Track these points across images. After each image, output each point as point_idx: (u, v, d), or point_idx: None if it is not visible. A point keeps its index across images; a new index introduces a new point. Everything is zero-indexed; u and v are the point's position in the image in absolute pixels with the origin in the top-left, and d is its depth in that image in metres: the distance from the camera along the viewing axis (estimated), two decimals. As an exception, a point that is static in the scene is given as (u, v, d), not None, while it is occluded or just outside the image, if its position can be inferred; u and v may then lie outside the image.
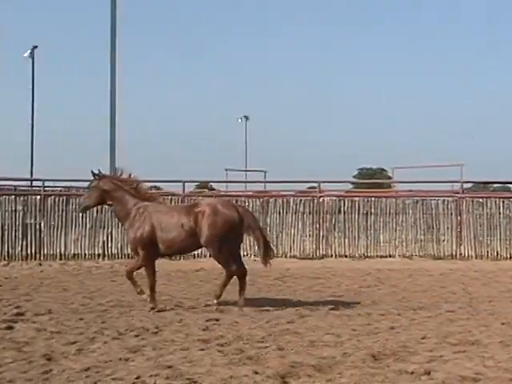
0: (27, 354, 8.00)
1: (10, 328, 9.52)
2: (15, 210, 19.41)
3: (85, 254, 19.45)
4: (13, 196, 19.99)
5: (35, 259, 19.15)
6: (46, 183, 21.88)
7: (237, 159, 72.17)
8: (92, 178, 11.75)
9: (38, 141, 46.04)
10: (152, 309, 11.03)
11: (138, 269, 11.61)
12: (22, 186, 25.95)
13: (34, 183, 25.74)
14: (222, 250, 11.19)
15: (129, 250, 19.57)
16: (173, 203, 20.16)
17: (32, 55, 45.55)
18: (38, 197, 19.98)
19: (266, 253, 11.64)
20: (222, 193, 27.07)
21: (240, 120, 75.34)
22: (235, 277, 11.55)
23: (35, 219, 19.63)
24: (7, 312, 10.72)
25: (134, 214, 11.27)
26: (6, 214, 19.31)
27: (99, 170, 11.76)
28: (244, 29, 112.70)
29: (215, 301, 11.37)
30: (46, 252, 19.50)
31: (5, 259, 18.74)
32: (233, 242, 11.28)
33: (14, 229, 19.35)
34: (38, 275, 16.21)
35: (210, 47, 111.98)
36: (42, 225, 19.67)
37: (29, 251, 19.29)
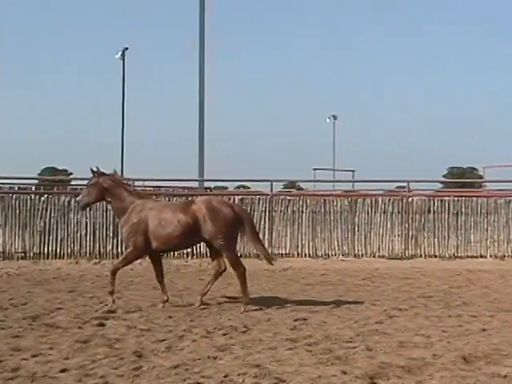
0: (118, 351, 8.13)
1: (101, 325, 9.70)
2: (107, 210, 19.76)
3: (173, 253, 19.65)
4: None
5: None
6: (136, 183, 22.20)
7: (325, 158, 72.04)
8: (94, 178, 11.86)
9: (129, 141, 46.90)
10: (110, 293, 11.19)
11: (124, 266, 11.75)
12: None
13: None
14: (228, 246, 11.33)
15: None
16: (261, 203, 20.24)
17: (123, 56, 46.40)
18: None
19: (265, 253, 11.89)
20: (310, 192, 27.02)
21: (328, 119, 75.18)
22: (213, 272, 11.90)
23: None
24: (99, 309, 10.93)
25: (130, 211, 11.44)
26: (98, 213, 19.67)
27: (97, 168, 11.89)
28: (330, 27, 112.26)
29: (243, 308, 11.16)
30: (123, 249, 19.78)
31: (96, 257, 19.09)
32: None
33: (105, 227, 19.69)
34: (128, 273, 16.41)
35: (298, 46, 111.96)
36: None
37: (119, 249, 19.58)
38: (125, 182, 12.06)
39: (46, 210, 19.43)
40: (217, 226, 11.11)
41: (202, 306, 11.34)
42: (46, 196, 19.75)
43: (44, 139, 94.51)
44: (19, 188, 23.40)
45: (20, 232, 19.16)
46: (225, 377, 7.02)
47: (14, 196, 19.62)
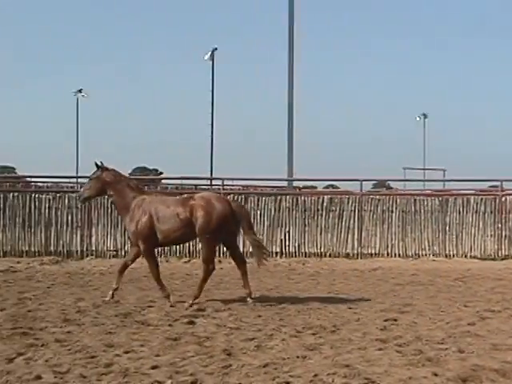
0: (208, 349, 8.19)
1: (191, 323, 9.79)
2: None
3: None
4: (194, 195, 20.54)
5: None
6: (225, 182, 22.34)
7: (415, 157, 71.13)
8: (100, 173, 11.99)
9: (217, 140, 47.31)
10: (166, 297, 11.42)
11: (134, 261, 12.02)
12: (203, 185, 26.70)
13: (214, 182, 26.39)
14: (210, 243, 11.49)
15: (306, 248, 19.80)
16: (350, 202, 20.12)
17: (212, 57, 46.83)
18: (218, 195, 20.43)
19: (258, 253, 11.90)
20: (400, 191, 26.71)
21: (418, 118, 74.21)
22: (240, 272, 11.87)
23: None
24: (189, 307, 11.03)
25: (133, 207, 11.58)
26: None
27: (101, 162, 12.01)
28: (420, 27, 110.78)
29: (191, 301, 11.29)
30: (224, 250, 19.89)
31: (186, 256, 19.29)
32: (224, 236, 11.60)
33: (195, 227, 19.87)
34: (217, 272, 16.51)
35: (386, 45, 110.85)
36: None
37: (208, 248, 19.76)
38: (127, 176, 12.21)
39: (137, 209, 19.73)
40: (207, 221, 11.25)
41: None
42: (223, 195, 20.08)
43: (136, 139, 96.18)
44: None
45: (112, 231, 19.53)
46: (314, 376, 6.99)
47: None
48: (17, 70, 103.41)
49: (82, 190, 12.55)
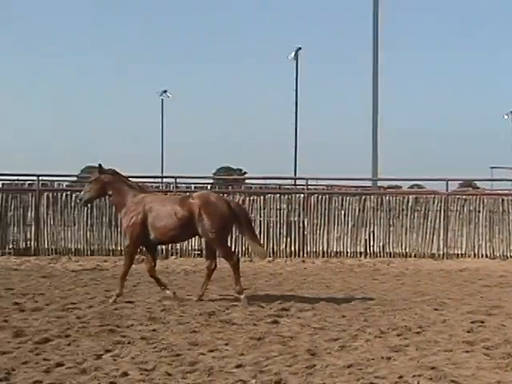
0: (292, 349, 8.18)
1: (275, 322, 9.80)
2: (280, 208, 19.97)
3: (347, 252, 19.60)
4: (278, 194, 20.57)
5: (298, 256, 19.58)
6: (309, 182, 22.30)
7: (503, 156, 69.61)
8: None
9: (301, 140, 47.25)
10: (117, 296, 11.46)
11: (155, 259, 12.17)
12: (287, 185, 26.74)
13: (298, 182, 26.39)
14: (220, 240, 11.65)
15: (391, 249, 19.61)
16: (436, 202, 19.84)
17: (296, 57, 46.84)
18: (302, 195, 20.42)
19: (257, 249, 12.09)
20: (487, 191, 26.18)
21: (506, 116, 72.61)
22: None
23: (299, 217, 20.08)
24: (273, 307, 11.05)
25: (130, 204, 11.78)
26: (272, 211, 19.92)
27: (100, 165, 12.24)
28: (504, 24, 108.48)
29: (237, 291, 11.59)
30: (309, 249, 19.88)
31: (270, 256, 19.33)
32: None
33: (278, 226, 19.91)
34: (301, 272, 16.55)
35: (472, 43, 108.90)
36: (306, 223, 20.07)
37: (292, 248, 19.76)
38: (125, 176, 12.46)
39: (222, 209, 19.86)
40: (210, 220, 11.39)
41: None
42: (221, 195, 20.20)
43: (220, 139, 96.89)
44: (196, 187, 24.18)
45: (196, 230, 19.68)
46: (399, 378, 6.92)
47: (192, 195, 20.23)
48: (103, 70, 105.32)
49: (81, 193, 12.76)
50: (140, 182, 25.45)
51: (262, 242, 18.84)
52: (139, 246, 12.18)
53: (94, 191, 12.33)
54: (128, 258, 12.06)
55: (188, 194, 12.87)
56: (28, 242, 19.07)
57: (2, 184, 21.98)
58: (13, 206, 19.02)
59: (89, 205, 15.52)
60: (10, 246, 18.79)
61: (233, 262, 11.70)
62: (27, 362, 7.44)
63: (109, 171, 12.22)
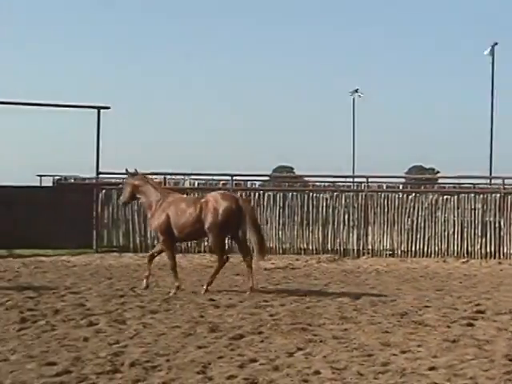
0: (488, 353, 7.89)
1: (470, 325, 9.50)
2: (474, 208, 19.44)
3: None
4: (472, 194, 20.03)
5: (494, 258, 18.96)
6: (506, 181, 21.50)
7: None
8: None
9: (499, 139, 45.62)
10: (177, 288, 12.15)
11: (160, 253, 13.01)
12: (481, 184, 25.97)
13: (494, 181, 25.57)
14: (218, 237, 12.34)
15: None
16: None
17: (492, 52, 45.37)
18: (498, 195, 19.75)
19: (260, 248, 12.32)
20: None
21: None
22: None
23: (494, 217, 19.45)
24: (467, 309, 10.74)
25: (155, 205, 12.60)
26: (466, 211, 19.44)
27: (135, 170, 13.22)
28: None
29: (204, 287, 12.21)
30: (505, 251, 19.21)
31: (464, 256, 18.86)
32: (232, 230, 12.42)
33: (473, 227, 19.39)
34: (497, 274, 16.01)
35: None
36: (502, 223, 19.40)
37: (488, 249, 19.18)
38: (151, 179, 13.67)
39: (414, 209, 19.63)
40: (215, 217, 12.13)
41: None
42: (413, 194, 19.95)
43: (412, 138, 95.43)
44: (387, 187, 23.95)
45: (388, 230, 19.55)
46: None
47: (383, 194, 20.10)
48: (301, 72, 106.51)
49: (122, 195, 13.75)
50: (331, 182, 25.93)
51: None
52: (171, 241, 12.76)
53: (127, 194, 13.28)
54: (169, 254, 12.78)
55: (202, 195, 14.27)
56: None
57: (198, 184, 22.74)
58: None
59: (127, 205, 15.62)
60: (206, 244, 19.37)
61: (221, 260, 12.41)
62: (222, 356, 7.62)
63: (138, 175, 13.21)
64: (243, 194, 19.37)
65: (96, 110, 19.10)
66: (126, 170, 13.36)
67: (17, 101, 19.43)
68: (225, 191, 15.11)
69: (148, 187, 12.95)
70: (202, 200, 12.55)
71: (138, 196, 13.19)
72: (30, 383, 6.48)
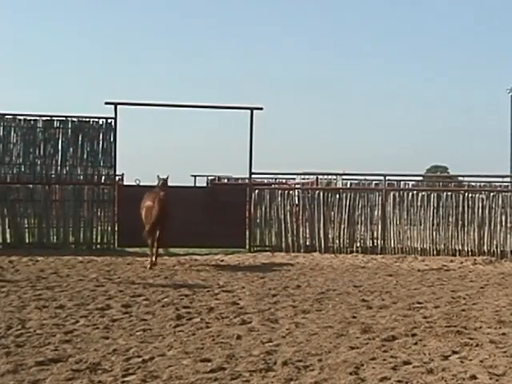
0: None
1: None
2: None
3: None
4: None
5: None
6: None
7: None
8: None
9: None
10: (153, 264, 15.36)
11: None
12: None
13: None
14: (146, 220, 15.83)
15: None
16: None
17: None
18: None
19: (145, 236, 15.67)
20: None
21: None
22: None
23: None
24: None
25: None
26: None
27: (158, 176, 16.05)
28: None
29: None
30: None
31: None
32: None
33: None
34: None
35: None
36: None
37: None
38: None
39: None
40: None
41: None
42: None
43: None
44: None
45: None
46: None
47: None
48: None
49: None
50: (487, 182, 25.23)
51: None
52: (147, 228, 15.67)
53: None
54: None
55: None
56: (375, 241, 19.44)
57: (350, 183, 22.67)
58: (360, 205, 19.51)
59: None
60: (358, 245, 19.28)
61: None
62: (375, 358, 7.54)
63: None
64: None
65: (249, 111, 19.30)
66: (158, 176, 16.19)
67: (176, 103, 19.89)
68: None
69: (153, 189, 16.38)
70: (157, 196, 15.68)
71: None
72: (186, 378, 6.63)
